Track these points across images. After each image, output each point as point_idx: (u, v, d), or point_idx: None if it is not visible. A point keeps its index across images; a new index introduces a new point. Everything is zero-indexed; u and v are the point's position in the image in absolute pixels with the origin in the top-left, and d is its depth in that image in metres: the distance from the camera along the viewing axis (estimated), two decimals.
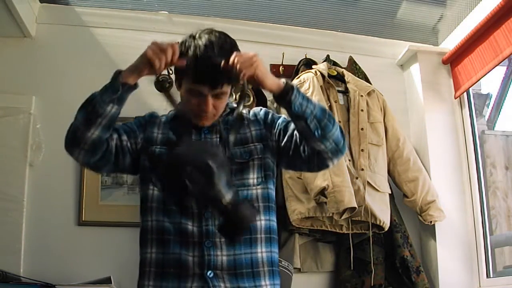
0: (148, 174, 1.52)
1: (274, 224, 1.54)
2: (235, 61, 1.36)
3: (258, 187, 1.51)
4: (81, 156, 1.46)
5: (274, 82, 1.41)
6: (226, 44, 1.45)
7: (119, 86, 1.40)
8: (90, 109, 1.40)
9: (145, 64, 1.39)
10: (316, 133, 1.41)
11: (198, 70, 1.41)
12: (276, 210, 1.58)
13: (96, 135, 1.42)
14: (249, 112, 1.65)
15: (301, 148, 1.48)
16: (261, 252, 1.47)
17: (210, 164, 1.26)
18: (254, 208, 1.34)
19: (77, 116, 1.43)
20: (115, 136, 1.49)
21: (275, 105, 2.57)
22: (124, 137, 1.51)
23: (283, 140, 1.53)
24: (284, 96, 1.40)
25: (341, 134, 1.47)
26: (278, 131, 1.56)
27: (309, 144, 1.45)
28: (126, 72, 1.41)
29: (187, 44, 1.46)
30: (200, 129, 1.54)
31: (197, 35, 1.46)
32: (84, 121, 1.41)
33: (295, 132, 1.49)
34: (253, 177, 1.51)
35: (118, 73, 1.41)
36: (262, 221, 1.49)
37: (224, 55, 1.40)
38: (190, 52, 1.42)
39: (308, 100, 1.43)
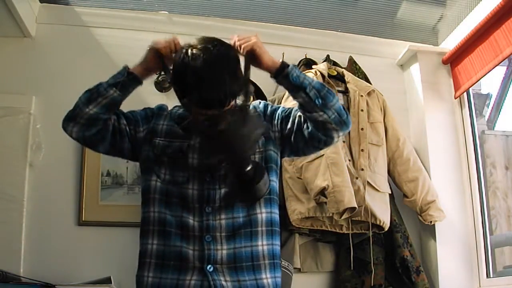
0: (151, 165, 1.53)
1: (276, 216, 1.55)
2: (236, 39, 1.44)
3: None
4: (75, 129, 1.51)
5: (271, 59, 1.47)
6: (224, 57, 1.40)
7: (124, 72, 1.49)
8: (94, 90, 1.49)
9: (151, 54, 1.49)
10: (317, 101, 1.45)
11: (202, 97, 1.37)
12: (278, 203, 1.59)
13: (94, 111, 1.47)
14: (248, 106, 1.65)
15: (304, 126, 1.50)
16: (262, 245, 1.48)
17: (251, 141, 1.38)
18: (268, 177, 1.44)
19: (80, 97, 1.51)
20: (113, 117, 1.54)
21: (275, 103, 2.58)
22: (123, 121, 1.55)
23: (285, 127, 1.56)
24: (281, 71, 1.46)
25: (343, 108, 1.52)
26: (279, 120, 1.58)
27: (312, 116, 1.47)
28: (134, 65, 1.51)
29: (184, 61, 1.40)
30: None
31: (190, 54, 1.39)
32: (85, 99, 1.49)
33: (297, 114, 1.53)
34: None
35: (127, 66, 1.52)
36: (263, 214, 1.50)
37: (223, 68, 1.38)
38: (190, 77, 1.37)
39: (305, 74, 1.49)
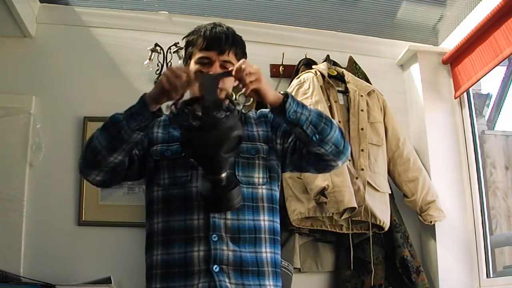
0: (152, 176, 1.52)
1: (277, 225, 1.54)
2: (244, 70, 1.35)
3: (263, 187, 1.52)
4: (99, 177, 1.47)
5: (275, 96, 1.41)
6: (230, 28, 1.57)
7: (149, 116, 1.38)
8: (115, 135, 1.38)
9: (162, 94, 1.36)
10: (313, 137, 1.43)
11: (206, 38, 1.52)
12: (279, 212, 1.58)
13: (119, 160, 1.43)
14: (255, 113, 1.66)
15: (304, 151, 1.50)
16: (266, 252, 1.47)
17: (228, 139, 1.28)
18: (240, 196, 1.37)
19: (98, 138, 1.41)
20: None
21: None
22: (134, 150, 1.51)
23: (287, 141, 1.55)
24: (279, 107, 1.41)
25: (341, 136, 1.48)
26: (282, 133, 1.57)
27: (309, 149, 1.47)
28: (150, 100, 1.37)
29: (195, 30, 1.57)
30: None
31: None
32: (108, 145, 1.40)
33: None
34: (258, 176, 1.51)
35: (144, 99, 1.38)
36: (266, 222, 1.50)
37: (230, 31, 1.55)
38: (200, 32, 1.55)
39: (303, 106, 1.44)
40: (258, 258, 1.45)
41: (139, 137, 1.42)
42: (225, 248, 1.41)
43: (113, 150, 1.40)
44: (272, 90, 1.41)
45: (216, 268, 1.39)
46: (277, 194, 1.57)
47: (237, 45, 1.56)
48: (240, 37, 1.60)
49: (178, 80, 1.33)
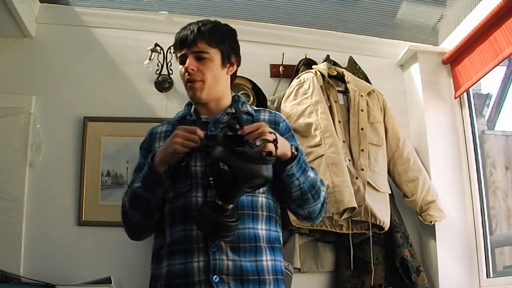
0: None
1: (274, 234, 1.55)
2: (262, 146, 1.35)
3: (263, 195, 1.53)
4: (148, 234, 1.61)
5: (285, 154, 1.44)
6: (207, 21, 1.61)
7: (166, 182, 1.46)
8: (146, 206, 1.49)
9: (175, 156, 1.43)
10: (296, 200, 1.52)
11: (176, 39, 1.60)
12: (278, 221, 1.60)
13: (157, 218, 1.52)
14: (267, 114, 1.67)
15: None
16: (266, 260, 1.48)
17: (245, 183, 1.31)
18: (235, 231, 1.40)
19: (133, 215, 1.52)
20: None
21: (274, 105, 2.58)
22: None
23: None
24: (282, 162, 1.45)
25: (319, 209, 1.57)
26: None
27: (286, 201, 1.56)
28: (161, 165, 1.43)
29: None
30: (206, 126, 1.55)
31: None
32: (144, 217, 1.51)
33: None
34: None
35: (156, 170, 1.43)
36: (264, 231, 1.50)
37: (199, 24, 1.58)
38: (193, 24, 1.60)
39: (303, 172, 1.48)
40: (259, 267, 1.45)
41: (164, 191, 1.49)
42: (224, 258, 1.41)
43: (151, 216, 1.51)
44: (285, 150, 1.43)
45: (216, 278, 1.39)
46: (274, 203, 1.58)
47: (205, 34, 1.57)
48: (215, 25, 1.61)
49: (192, 144, 1.39)
